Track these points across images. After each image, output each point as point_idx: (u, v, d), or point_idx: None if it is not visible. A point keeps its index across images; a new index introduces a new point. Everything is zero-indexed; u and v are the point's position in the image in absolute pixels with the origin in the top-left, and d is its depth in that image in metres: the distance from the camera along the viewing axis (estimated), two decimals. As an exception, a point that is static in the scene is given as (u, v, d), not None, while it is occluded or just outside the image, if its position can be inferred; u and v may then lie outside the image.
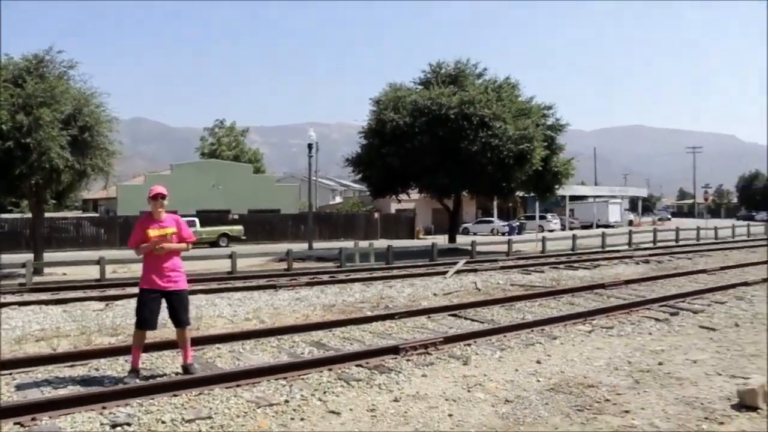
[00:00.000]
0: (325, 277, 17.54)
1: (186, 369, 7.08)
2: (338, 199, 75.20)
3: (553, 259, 22.77)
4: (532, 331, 9.27)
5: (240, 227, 39.33)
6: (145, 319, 6.91)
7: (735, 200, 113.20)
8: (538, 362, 7.62)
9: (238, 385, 6.49)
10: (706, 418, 5.54)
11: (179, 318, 7.07)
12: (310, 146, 30.67)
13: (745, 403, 5.77)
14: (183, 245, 7.15)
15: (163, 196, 7.00)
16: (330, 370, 7.09)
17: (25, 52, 20.82)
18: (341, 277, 17.61)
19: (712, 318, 10.63)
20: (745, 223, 52.69)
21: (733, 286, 14.31)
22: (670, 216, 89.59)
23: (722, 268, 18.59)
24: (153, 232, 6.91)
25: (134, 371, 6.90)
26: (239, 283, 16.30)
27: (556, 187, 32.31)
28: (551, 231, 49.74)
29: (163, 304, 7.03)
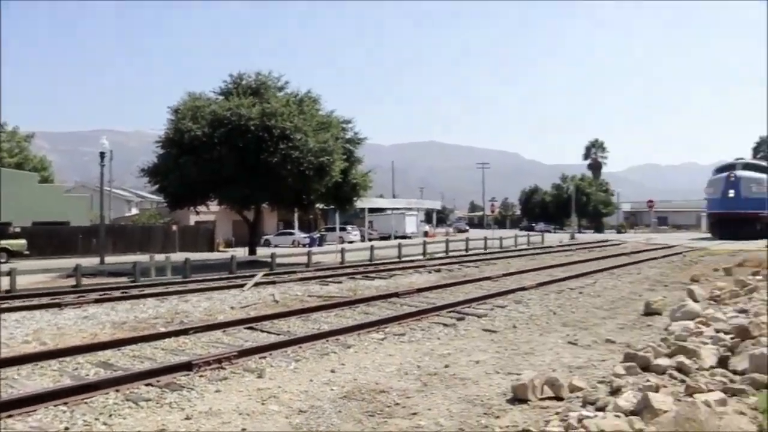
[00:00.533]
0: (117, 293, 16.64)
1: None
2: (134, 211, 71.78)
3: (351, 270, 23.32)
4: (328, 341, 9.44)
5: (22, 241, 36.16)
6: None
7: (518, 212, 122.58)
8: (333, 371, 7.78)
9: (9, 416, 5.97)
10: (485, 414, 5.98)
11: None
12: (102, 154, 28.95)
13: (518, 397, 6.30)
14: None
15: None
16: (117, 391, 6.75)
17: None
18: (134, 292, 16.81)
19: (494, 321, 11.46)
20: (526, 233, 57.34)
21: (513, 291, 15.52)
22: (467, 227, 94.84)
23: (504, 275, 20.09)
24: None
25: None
26: (18, 302, 14.97)
27: (355, 198, 33.10)
28: (351, 242, 50.85)
29: None
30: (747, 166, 55.10)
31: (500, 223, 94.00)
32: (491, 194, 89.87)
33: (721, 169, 56.11)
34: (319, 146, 26.86)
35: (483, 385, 6.99)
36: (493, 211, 66.42)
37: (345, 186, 30.84)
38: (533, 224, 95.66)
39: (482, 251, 36.97)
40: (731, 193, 51.11)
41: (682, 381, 5.87)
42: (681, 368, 6.28)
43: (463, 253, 35.16)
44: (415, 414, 6.03)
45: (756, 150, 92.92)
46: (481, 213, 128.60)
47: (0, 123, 70.55)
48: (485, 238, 41.16)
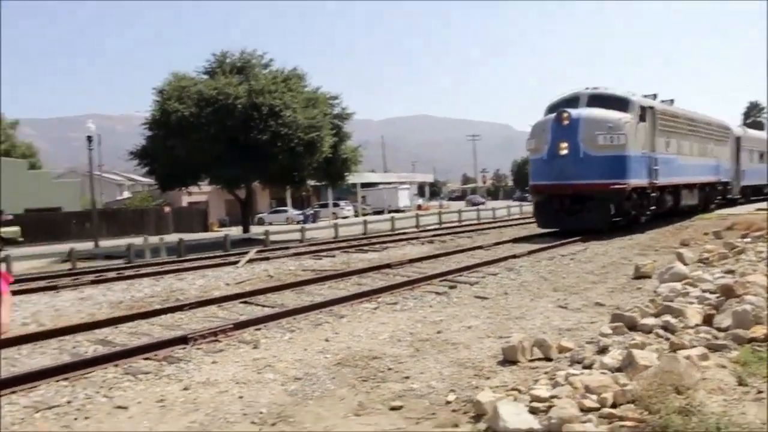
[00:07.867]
0: (112, 275, 16.72)
1: None
2: (126, 195, 71.78)
3: (344, 244, 23.38)
4: (321, 311, 9.56)
5: (16, 228, 36.17)
6: None
7: (511, 183, 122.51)
8: (326, 340, 7.92)
9: (12, 392, 6.11)
10: (476, 375, 6.14)
11: None
12: (90, 139, 28.90)
13: (508, 358, 6.46)
14: None
15: None
16: (116, 366, 6.89)
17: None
18: (129, 273, 16.90)
19: (486, 288, 11.60)
20: (518, 203, 57.52)
21: (505, 259, 15.62)
22: (483, 199, 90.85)
23: (496, 244, 20.18)
24: None
25: None
26: (14, 288, 15.07)
27: (346, 174, 33.22)
28: (345, 218, 51.07)
29: None
30: (596, 100, 23.11)
31: (493, 194, 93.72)
32: (483, 166, 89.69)
33: (554, 107, 23.74)
34: (308, 122, 26.91)
35: (474, 349, 7.14)
36: (485, 182, 66.48)
37: (335, 161, 30.95)
38: (526, 195, 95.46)
39: (475, 222, 37.10)
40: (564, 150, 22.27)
41: (667, 339, 6.02)
42: (667, 327, 6.43)
43: (456, 224, 35.26)
44: (407, 378, 6.17)
45: None
46: (473, 185, 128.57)
47: None
48: (477, 209, 41.29)
